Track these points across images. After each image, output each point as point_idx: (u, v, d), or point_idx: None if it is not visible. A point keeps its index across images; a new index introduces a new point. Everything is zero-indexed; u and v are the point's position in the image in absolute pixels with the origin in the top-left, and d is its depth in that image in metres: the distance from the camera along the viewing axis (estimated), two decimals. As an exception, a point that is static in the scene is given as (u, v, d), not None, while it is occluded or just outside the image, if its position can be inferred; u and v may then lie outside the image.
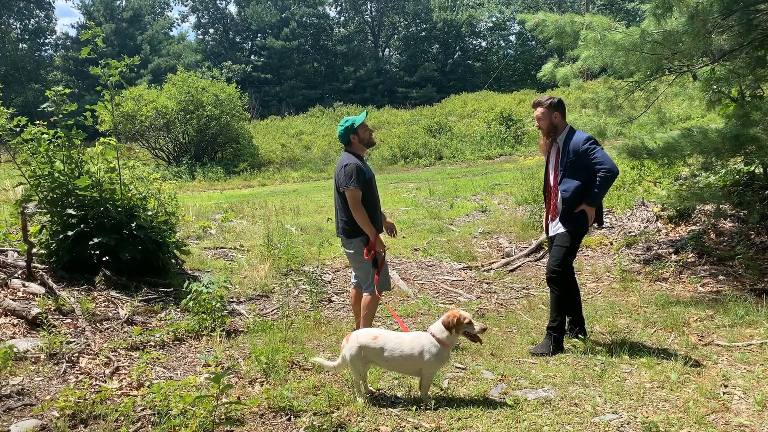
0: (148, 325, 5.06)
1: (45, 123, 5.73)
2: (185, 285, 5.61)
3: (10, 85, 38.04)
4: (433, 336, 3.68)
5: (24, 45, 48.91)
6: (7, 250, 6.09)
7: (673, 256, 6.89)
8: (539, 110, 4.59)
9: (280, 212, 11.86)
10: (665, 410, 3.54)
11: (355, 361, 3.73)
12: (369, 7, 58.45)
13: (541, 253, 7.65)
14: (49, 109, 5.68)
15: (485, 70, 52.14)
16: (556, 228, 4.64)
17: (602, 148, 4.46)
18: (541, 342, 4.66)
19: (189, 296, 5.23)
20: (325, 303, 6.18)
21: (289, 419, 3.53)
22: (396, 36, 58.20)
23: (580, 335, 4.70)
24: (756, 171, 6.99)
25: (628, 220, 8.34)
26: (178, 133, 24.77)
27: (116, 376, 4.00)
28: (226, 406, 3.49)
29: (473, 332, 3.70)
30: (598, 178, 4.37)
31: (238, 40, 55.94)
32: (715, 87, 6.60)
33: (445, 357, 3.71)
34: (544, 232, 4.97)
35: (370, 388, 3.91)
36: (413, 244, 8.72)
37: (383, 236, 4.84)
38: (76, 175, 5.74)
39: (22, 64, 43.16)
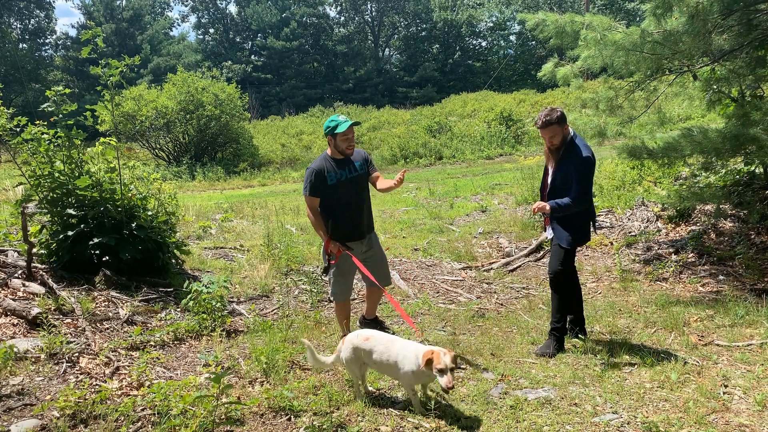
0: (148, 325, 5.06)
1: (45, 123, 5.73)
2: (185, 285, 5.62)
3: (10, 85, 38.04)
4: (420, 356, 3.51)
5: (24, 45, 48.92)
6: (7, 250, 6.09)
7: (673, 256, 6.89)
8: (552, 128, 4.35)
9: (280, 212, 11.85)
10: (665, 410, 3.54)
11: (350, 363, 3.72)
12: (369, 7, 58.47)
13: (541, 252, 7.65)
14: (49, 109, 5.68)
15: (485, 70, 52.15)
16: (552, 232, 4.62)
17: (592, 175, 4.41)
18: (545, 342, 4.66)
19: (189, 296, 5.23)
20: (325, 303, 6.18)
21: (289, 419, 3.53)
22: (396, 36, 58.21)
23: (580, 335, 4.70)
24: (756, 171, 6.99)
25: (628, 220, 8.34)
26: (178, 133, 24.77)
27: (116, 376, 4.00)
28: (226, 406, 3.49)
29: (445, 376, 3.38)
30: (567, 199, 4.30)
31: (238, 40, 55.96)
32: (715, 87, 6.60)
33: (424, 377, 3.53)
34: (543, 231, 4.95)
35: (370, 389, 3.91)
36: (413, 244, 8.72)
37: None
38: (76, 175, 5.74)
39: (22, 64, 43.15)
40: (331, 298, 4.63)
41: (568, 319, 4.75)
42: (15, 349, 4.00)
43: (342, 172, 4.51)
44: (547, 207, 4.33)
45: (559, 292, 4.61)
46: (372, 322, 5.06)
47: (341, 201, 4.49)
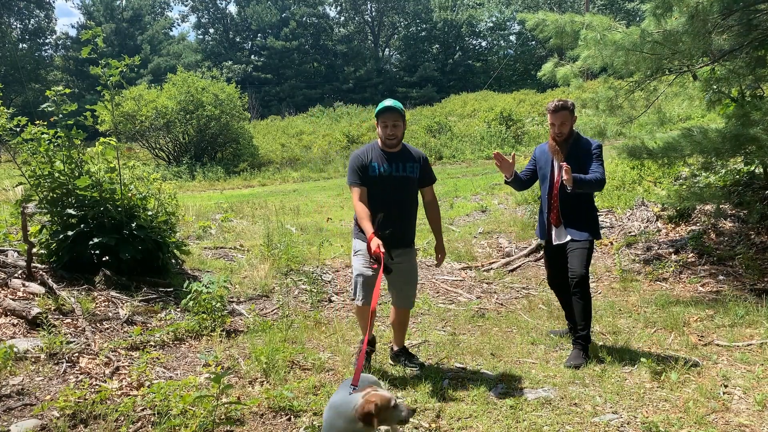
0: (148, 325, 5.05)
1: (45, 123, 5.73)
2: (185, 285, 5.61)
3: (10, 85, 38.00)
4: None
5: (24, 45, 48.91)
6: (7, 250, 6.08)
7: (673, 256, 6.89)
8: (564, 114, 4.27)
9: (280, 212, 11.85)
10: (665, 410, 3.54)
11: None
12: (369, 7, 58.49)
13: (541, 252, 7.64)
14: (49, 109, 5.67)
15: (485, 70, 52.16)
16: (571, 234, 4.39)
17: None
18: (573, 353, 4.37)
19: (189, 296, 5.23)
20: (325, 303, 6.18)
21: (289, 419, 3.53)
22: (396, 36, 58.21)
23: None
24: (756, 171, 7.00)
25: (628, 220, 8.34)
26: (178, 133, 24.77)
27: (116, 376, 3.99)
28: (226, 406, 3.49)
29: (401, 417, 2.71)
30: (591, 177, 4.22)
31: (238, 40, 55.99)
32: (715, 87, 6.60)
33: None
34: (542, 236, 4.67)
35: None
36: (413, 244, 8.71)
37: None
38: (76, 175, 5.73)
39: (22, 64, 43.15)
40: (356, 302, 4.07)
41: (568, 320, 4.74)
42: (15, 349, 4.00)
43: (388, 167, 3.90)
44: (573, 178, 4.10)
45: (584, 298, 4.34)
46: (401, 353, 4.36)
47: (380, 198, 3.86)
